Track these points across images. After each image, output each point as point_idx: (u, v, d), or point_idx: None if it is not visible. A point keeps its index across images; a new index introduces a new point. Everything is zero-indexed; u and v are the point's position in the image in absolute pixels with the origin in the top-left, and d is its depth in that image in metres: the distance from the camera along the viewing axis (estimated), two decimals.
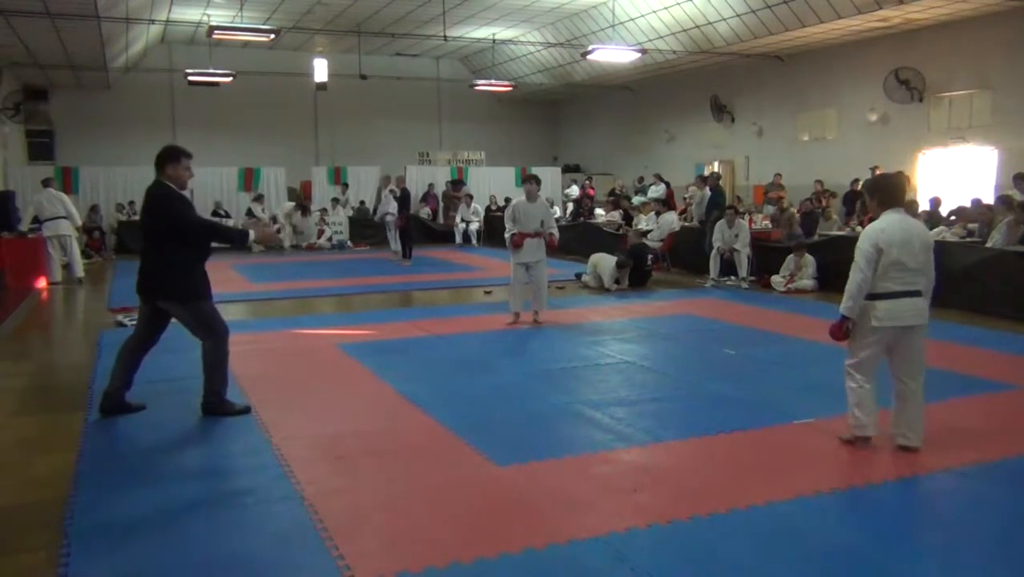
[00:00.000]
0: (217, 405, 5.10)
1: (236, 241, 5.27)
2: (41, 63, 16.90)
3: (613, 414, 5.10)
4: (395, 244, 15.45)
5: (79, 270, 12.57)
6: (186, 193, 5.13)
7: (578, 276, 11.63)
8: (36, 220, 12.37)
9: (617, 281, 11.00)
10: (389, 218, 15.28)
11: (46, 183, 12.64)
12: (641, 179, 20.15)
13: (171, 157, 4.95)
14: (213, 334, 5.06)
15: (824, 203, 14.17)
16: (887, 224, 4.24)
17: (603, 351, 7.00)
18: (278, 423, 4.94)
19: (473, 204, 19.58)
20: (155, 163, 4.98)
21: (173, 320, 5.16)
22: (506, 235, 8.28)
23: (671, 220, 13.53)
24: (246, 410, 5.15)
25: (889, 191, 4.35)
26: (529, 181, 8.35)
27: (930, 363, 6.42)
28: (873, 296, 4.22)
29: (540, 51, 20.71)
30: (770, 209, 14.62)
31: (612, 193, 18.27)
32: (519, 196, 8.55)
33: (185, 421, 5.12)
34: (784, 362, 6.67)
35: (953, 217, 11.06)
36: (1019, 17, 13.03)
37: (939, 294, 9.40)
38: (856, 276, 4.30)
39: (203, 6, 17.04)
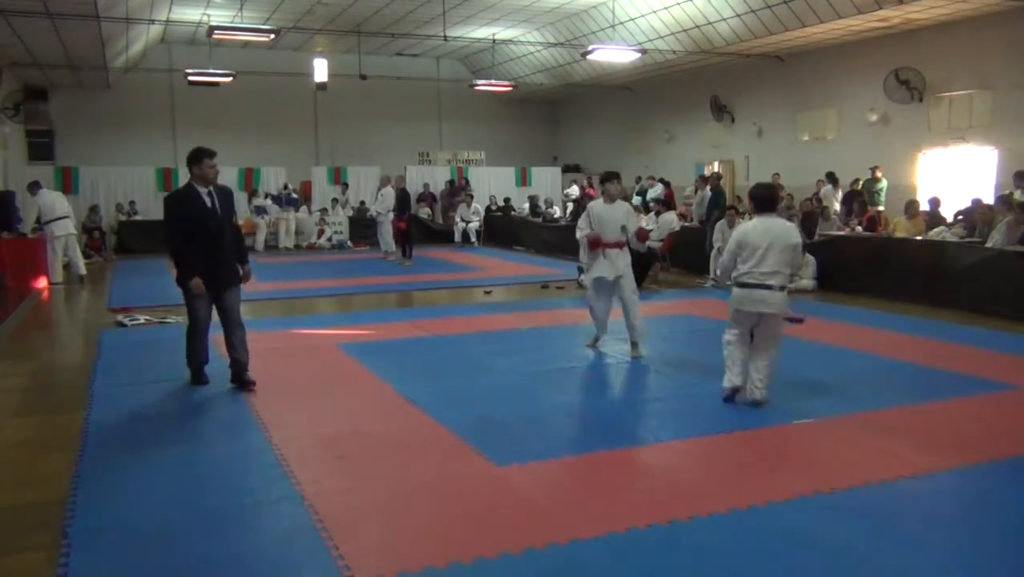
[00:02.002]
0: (190, 371, 5.88)
1: (180, 275, 5.67)
2: (41, 63, 16.89)
3: (613, 414, 5.10)
4: (384, 244, 15.44)
5: (82, 267, 12.60)
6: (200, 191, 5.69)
7: (580, 270, 11.63)
8: (38, 220, 12.38)
9: None
10: (380, 218, 15.29)
11: (37, 185, 12.62)
12: (639, 179, 20.16)
13: (194, 159, 5.64)
14: (189, 320, 5.86)
15: (826, 203, 14.13)
16: (754, 226, 5.05)
17: (603, 351, 6.99)
18: (278, 423, 4.94)
19: (473, 204, 19.59)
20: (187, 165, 5.71)
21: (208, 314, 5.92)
22: (579, 235, 6.91)
23: (671, 220, 13.52)
24: (196, 380, 5.86)
25: (761, 199, 5.17)
26: (610, 180, 6.86)
27: (931, 363, 6.50)
28: (735, 283, 5.10)
29: (540, 51, 20.71)
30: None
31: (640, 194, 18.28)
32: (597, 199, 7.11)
33: (185, 421, 5.14)
34: (784, 362, 6.66)
35: (960, 217, 11.03)
36: (1019, 17, 13.03)
37: (939, 294, 9.49)
38: (723, 258, 5.34)
39: (203, 6, 17.04)
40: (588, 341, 7.11)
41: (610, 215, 6.73)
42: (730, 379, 5.19)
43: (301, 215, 19.12)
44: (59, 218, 12.16)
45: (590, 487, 3.91)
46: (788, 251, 4.94)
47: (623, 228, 6.76)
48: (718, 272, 5.40)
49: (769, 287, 4.88)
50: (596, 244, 6.69)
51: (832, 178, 15.22)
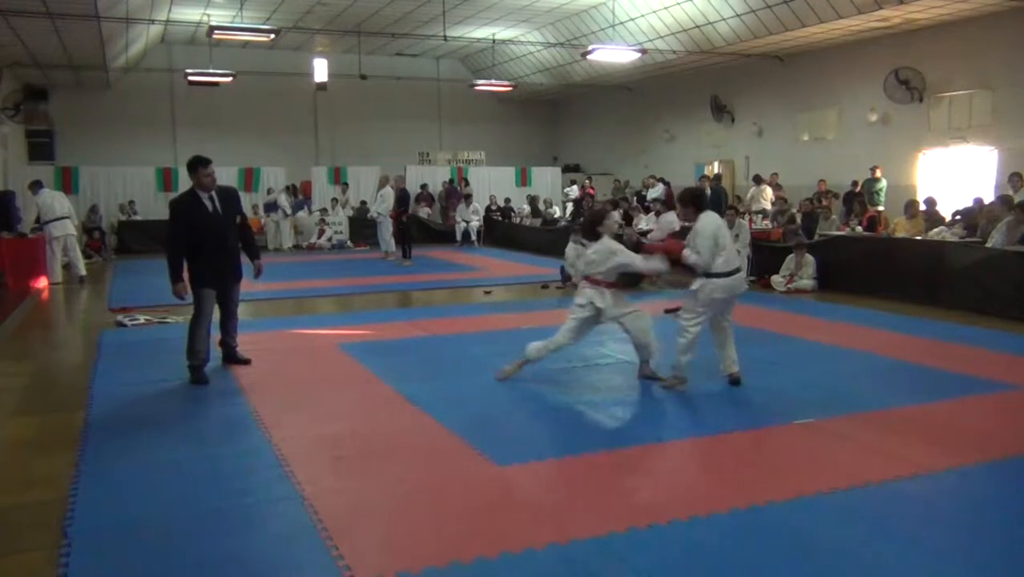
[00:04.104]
0: (189, 369, 6.01)
1: (172, 276, 5.96)
2: (41, 63, 16.89)
3: (613, 414, 5.10)
4: (384, 244, 15.45)
5: (82, 268, 12.60)
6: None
7: (562, 270, 11.59)
8: (37, 220, 12.38)
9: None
10: (380, 218, 15.32)
11: (39, 185, 12.63)
12: (627, 182, 20.26)
13: (192, 168, 6.00)
14: (194, 313, 6.08)
15: (826, 203, 14.20)
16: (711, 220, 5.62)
17: (603, 351, 7.00)
18: (278, 423, 4.94)
19: (473, 204, 19.59)
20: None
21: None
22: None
23: (671, 220, 13.48)
24: (195, 379, 5.94)
25: (704, 199, 5.88)
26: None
27: (931, 363, 6.50)
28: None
29: (540, 51, 20.70)
30: (770, 209, 14.66)
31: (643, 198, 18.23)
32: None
33: (185, 421, 5.14)
34: (784, 362, 6.67)
35: (959, 217, 11.05)
36: (1019, 17, 13.03)
37: (939, 294, 9.48)
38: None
39: (203, 6, 17.04)
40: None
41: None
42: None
43: (301, 215, 19.14)
44: (58, 218, 12.16)
45: (590, 487, 3.90)
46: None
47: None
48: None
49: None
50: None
51: (758, 179, 16.06)
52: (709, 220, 5.60)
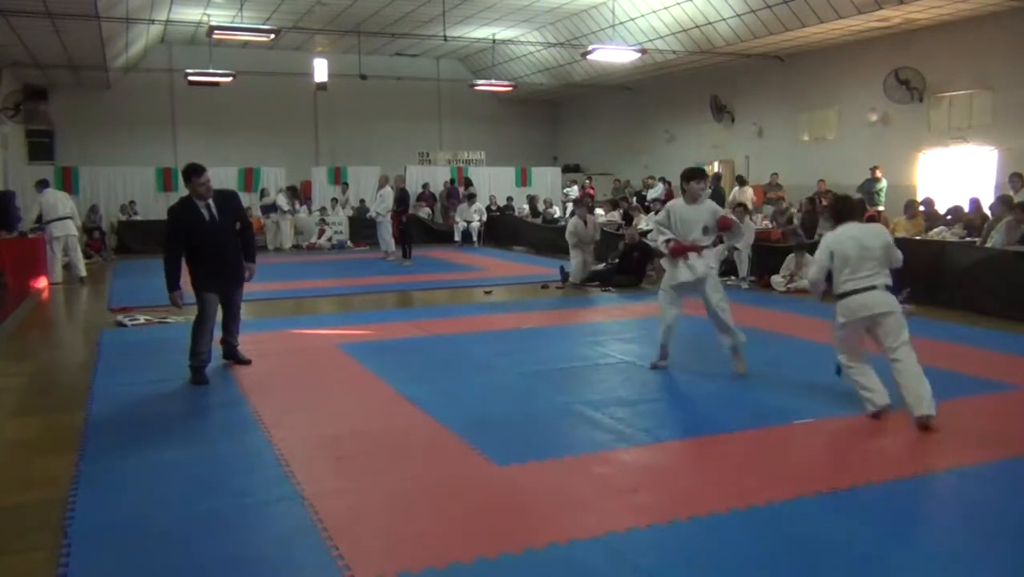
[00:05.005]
0: (191, 370, 6.02)
1: (168, 284, 5.98)
2: (41, 63, 16.89)
3: (613, 414, 5.10)
4: (384, 244, 15.45)
5: (82, 269, 12.59)
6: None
7: (562, 269, 11.60)
8: (38, 220, 12.38)
9: (600, 281, 11.12)
10: (380, 218, 15.32)
11: (44, 184, 12.64)
12: (627, 182, 20.27)
13: (186, 177, 6.03)
14: (198, 314, 6.12)
15: (826, 203, 14.20)
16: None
17: (603, 351, 7.00)
18: (278, 423, 4.94)
19: (476, 204, 19.58)
20: None
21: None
22: (660, 242, 6.30)
23: None
24: (196, 380, 5.93)
25: (842, 209, 5.13)
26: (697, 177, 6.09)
27: (930, 363, 6.47)
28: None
29: (540, 51, 20.71)
30: (769, 209, 14.67)
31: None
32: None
33: (185, 421, 5.14)
34: (784, 362, 6.66)
35: (949, 216, 11.06)
36: (1019, 17, 13.03)
37: (939, 294, 9.47)
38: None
39: (203, 6, 17.04)
40: (653, 360, 6.40)
41: (691, 216, 6.09)
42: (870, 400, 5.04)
43: (301, 215, 19.13)
44: (60, 218, 12.15)
45: (590, 487, 3.90)
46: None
47: (705, 228, 6.09)
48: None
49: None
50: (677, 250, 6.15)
51: (741, 180, 16.56)
52: (835, 233, 4.96)
